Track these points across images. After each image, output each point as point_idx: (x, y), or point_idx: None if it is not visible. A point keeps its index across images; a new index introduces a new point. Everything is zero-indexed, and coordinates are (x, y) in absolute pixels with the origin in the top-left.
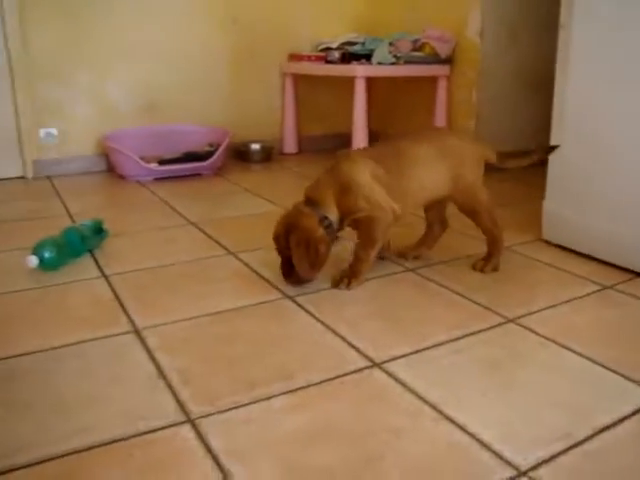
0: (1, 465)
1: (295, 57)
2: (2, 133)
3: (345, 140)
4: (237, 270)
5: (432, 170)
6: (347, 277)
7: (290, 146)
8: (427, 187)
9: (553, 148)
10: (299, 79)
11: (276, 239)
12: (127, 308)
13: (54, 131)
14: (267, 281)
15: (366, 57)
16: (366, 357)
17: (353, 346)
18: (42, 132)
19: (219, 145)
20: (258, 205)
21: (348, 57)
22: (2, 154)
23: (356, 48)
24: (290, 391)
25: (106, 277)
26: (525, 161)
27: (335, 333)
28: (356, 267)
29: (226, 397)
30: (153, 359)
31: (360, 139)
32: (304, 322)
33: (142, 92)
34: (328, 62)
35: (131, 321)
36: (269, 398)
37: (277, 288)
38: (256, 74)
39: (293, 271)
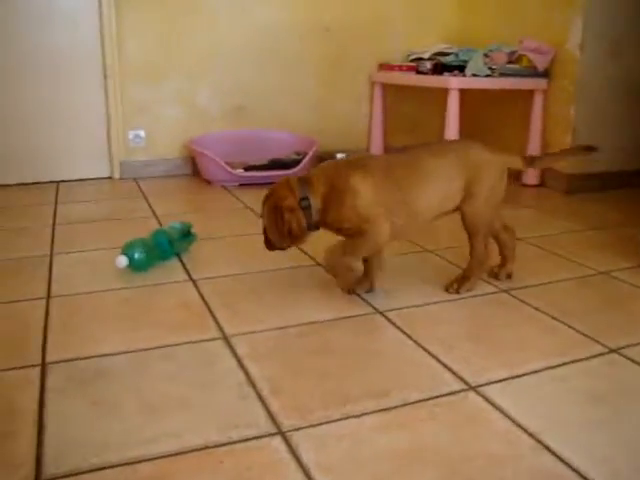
0: (93, 462)
1: (385, 67)
2: (93, 134)
3: None
4: (325, 281)
5: (444, 186)
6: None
7: None
8: (435, 205)
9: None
10: (388, 89)
11: (262, 203)
12: (215, 314)
13: (142, 133)
14: (357, 294)
15: (459, 68)
16: (461, 379)
17: (447, 367)
18: (131, 134)
19: (306, 153)
20: None
21: (440, 68)
22: (92, 154)
23: (449, 59)
24: (384, 409)
25: (194, 281)
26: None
27: (428, 352)
28: (329, 270)
29: (317, 411)
30: (242, 367)
31: None
32: (395, 339)
33: (231, 95)
34: (419, 72)
35: (220, 327)
36: (362, 415)
37: (367, 302)
38: (345, 82)
39: (265, 239)
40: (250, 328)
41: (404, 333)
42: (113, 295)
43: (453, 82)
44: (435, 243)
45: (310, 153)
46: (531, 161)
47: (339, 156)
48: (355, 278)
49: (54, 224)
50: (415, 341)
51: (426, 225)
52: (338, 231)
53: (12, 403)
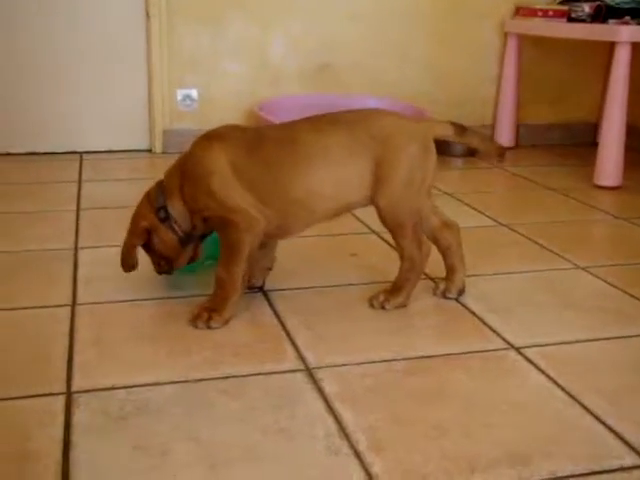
0: None
1: (524, 11)
2: (129, 92)
3: (585, 134)
4: (438, 302)
5: (336, 169)
6: (207, 310)
7: (505, 136)
8: (327, 194)
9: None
10: (527, 43)
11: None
12: (294, 337)
13: (194, 93)
14: (480, 319)
15: (632, 13)
16: (637, 452)
17: (615, 432)
18: (179, 94)
19: None
20: (463, 214)
21: (604, 13)
22: (126, 119)
23: (618, 0)
24: None
25: (264, 293)
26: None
27: (586, 409)
28: (217, 294)
29: (434, 479)
30: (332, 411)
31: (613, 135)
32: (538, 386)
33: (313, 49)
34: (572, 20)
35: (300, 356)
36: None
37: (496, 332)
38: (465, 34)
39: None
40: (340, 359)
41: (551, 380)
42: (155, 306)
43: (623, 33)
44: (591, 257)
45: None
46: (464, 131)
47: None
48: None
49: (78, 208)
50: (567, 391)
51: (322, 221)
52: (209, 224)
53: (27, 443)
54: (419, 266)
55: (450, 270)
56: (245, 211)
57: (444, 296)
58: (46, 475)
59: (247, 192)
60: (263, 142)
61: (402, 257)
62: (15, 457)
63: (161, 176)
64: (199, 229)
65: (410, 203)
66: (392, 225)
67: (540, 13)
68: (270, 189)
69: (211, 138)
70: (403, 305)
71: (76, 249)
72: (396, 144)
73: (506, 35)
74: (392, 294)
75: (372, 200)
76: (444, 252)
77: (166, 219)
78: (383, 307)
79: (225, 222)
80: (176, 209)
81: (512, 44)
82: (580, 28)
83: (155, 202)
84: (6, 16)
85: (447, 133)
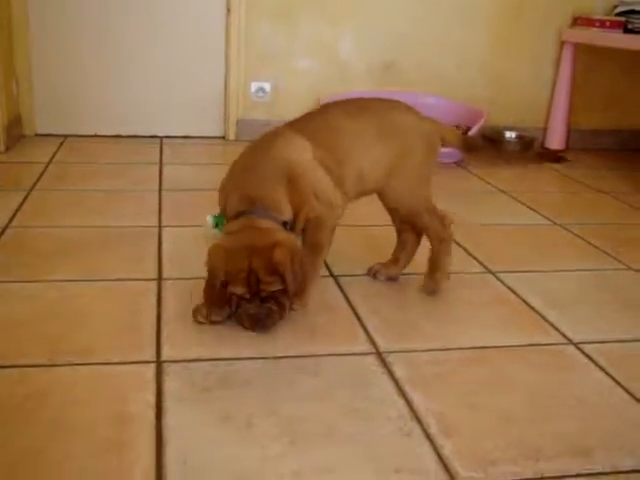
0: None
1: (582, 21)
2: (208, 83)
3: (633, 139)
4: (500, 295)
5: (371, 153)
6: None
7: (556, 140)
8: (366, 175)
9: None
10: (582, 51)
11: (235, 276)
12: (364, 321)
13: (267, 86)
14: (540, 315)
15: None
16: None
17: None
18: (253, 86)
19: (469, 128)
20: (520, 213)
21: None
22: (204, 108)
23: None
24: (589, 474)
25: (334, 277)
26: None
27: None
28: (305, 283)
29: (502, 464)
30: (403, 394)
31: None
32: (597, 381)
33: (379, 48)
34: (628, 31)
35: (371, 339)
36: (561, 477)
37: (555, 327)
38: (524, 40)
39: (268, 313)
40: (408, 345)
41: (610, 377)
42: None
43: None
44: (638, 258)
45: (475, 128)
46: (472, 143)
47: (508, 135)
48: None
49: (160, 189)
50: (626, 389)
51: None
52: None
53: (125, 406)
54: (448, 241)
55: (395, 259)
56: (334, 202)
57: (373, 275)
58: (142, 437)
59: (329, 180)
60: (315, 132)
61: (429, 237)
62: (117, 418)
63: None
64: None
65: (421, 191)
66: (406, 213)
67: (597, 24)
68: (336, 174)
69: (286, 137)
70: (447, 278)
71: (160, 227)
72: (415, 138)
73: (563, 44)
74: (435, 274)
75: (383, 187)
76: (401, 243)
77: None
78: (436, 289)
79: (319, 219)
80: (289, 218)
81: (568, 52)
82: (636, 39)
83: (275, 222)
84: (103, 12)
85: (453, 142)
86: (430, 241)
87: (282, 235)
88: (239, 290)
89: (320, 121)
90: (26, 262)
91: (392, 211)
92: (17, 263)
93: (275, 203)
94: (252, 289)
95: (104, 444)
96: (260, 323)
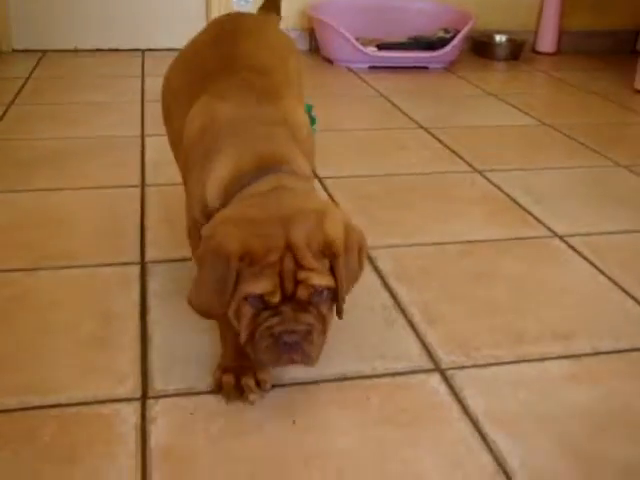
0: (209, 382)
1: None
2: None
3: (625, 41)
4: (486, 192)
5: None
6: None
7: (547, 43)
8: None
9: None
10: None
11: (258, 263)
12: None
13: None
14: (528, 212)
15: None
16: None
17: None
18: None
19: (457, 32)
20: (508, 114)
21: None
22: (186, 17)
23: None
24: (570, 356)
25: (319, 179)
26: None
27: (627, 294)
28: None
29: (485, 348)
30: (387, 287)
31: None
32: (581, 271)
33: None
34: None
35: None
36: (542, 360)
37: (542, 222)
38: None
39: (308, 332)
40: (395, 240)
41: (593, 266)
42: None
43: None
44: (631, 156)
45: (463, 31)
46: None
47: (498, 38)
48: None
49: (143, 100)
50: (608, 276)
51: None
52: None
53: (110, 305)
54: None
55: None
56: None
57: None
58: (128, 333)
59: None
60: None
61: None
62: (102, 316)
63: None
64: None
65: None
66: None
67: None
68: None
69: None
70: None
71: (143, 136)
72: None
73: None
74: None
75: None
76: None
77: None
78: None
79: None
80: None
81: None
82: None
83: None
84: None
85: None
86: None
87: (330, 204)
88: (262, 287)
89: None
90: (6, 173)
91: None
92: None
93: (299, 166)
94: (285, 287)
95: (90, 340)
96: (294, 349)
